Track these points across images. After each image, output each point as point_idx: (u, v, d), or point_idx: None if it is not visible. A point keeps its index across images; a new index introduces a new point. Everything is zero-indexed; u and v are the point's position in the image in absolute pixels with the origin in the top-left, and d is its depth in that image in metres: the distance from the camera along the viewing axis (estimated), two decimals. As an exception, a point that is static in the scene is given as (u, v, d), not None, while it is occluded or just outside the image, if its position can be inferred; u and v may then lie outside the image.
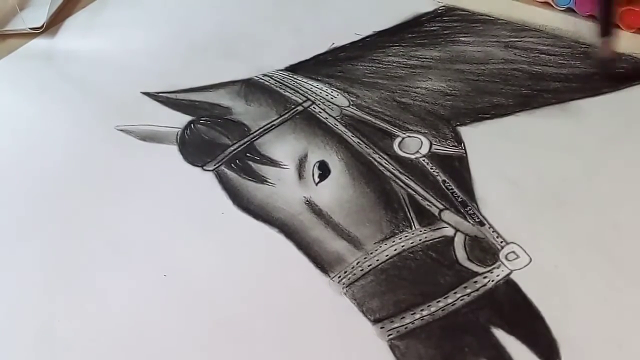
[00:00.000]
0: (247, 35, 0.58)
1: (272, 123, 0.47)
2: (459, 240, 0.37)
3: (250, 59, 0.54)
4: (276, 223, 0.41)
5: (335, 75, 0.51)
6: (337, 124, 0.46)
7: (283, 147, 0.45)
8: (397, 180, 0.41)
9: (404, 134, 0.45)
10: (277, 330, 0.35)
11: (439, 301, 0.35)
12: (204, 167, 0.45)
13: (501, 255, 0.36)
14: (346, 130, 0.45)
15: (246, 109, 0.49)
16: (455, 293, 0.35)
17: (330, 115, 0.47)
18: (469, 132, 0.44)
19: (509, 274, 0.36)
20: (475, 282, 0.35)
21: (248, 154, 0.45)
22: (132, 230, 0.42)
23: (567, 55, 0.49)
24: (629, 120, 0.43)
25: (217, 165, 0.45)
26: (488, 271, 0.36)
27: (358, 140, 0.44)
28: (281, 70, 0.52)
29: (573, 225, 0.38)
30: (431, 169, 0.42)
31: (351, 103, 0.48)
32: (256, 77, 0.52)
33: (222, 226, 0.41)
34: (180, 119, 0.49)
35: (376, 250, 0.38)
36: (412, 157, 0.43)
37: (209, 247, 0.40)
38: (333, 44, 0.54)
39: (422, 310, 0.35)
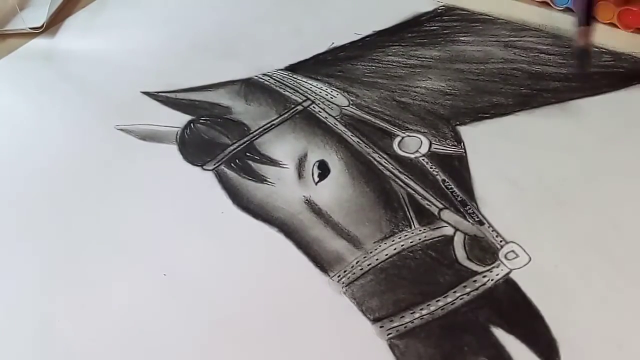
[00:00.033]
0: (247, 35, 0.58)
1: (272, 122, 0.47)
2: (458, 240, 0.37)
3: (250, 58, 0.54)
4: (276, 222, 0.41)
5: (335, 74, 0.51)
6: (337, 123, 0.46)
7: (283, 147, 0.45)
8: (397, 180, 0.41)
9: (404, 133, 0.45)
10: (277, 329, 0.35)
11: (438, 300, 0.35)
12: (204, 167, 0.45)
13: (501, 254, 0.36)
14: (346, 130, 0.45)
15: (246, 109, 0.49)
16: (454, 292, 0.35)
17: (330, 115, 0.47)
18: (468, 132, 0.44)
19: (508, 273, 0.36)
20: (475, 281, 0.35)
21: (248, 154, 0.45)
22: (131, 229, 0.42)
23: (567, 55, 0.49)
24: (629, 120, 0.43)
25: (216, 165, 0.45)
26: (487, 270, 0.36)
27: (358, 140, 0.44)
28: (281, 69, 0.52)
29: (573, 225, 0.38)
30: (431, 168, 0.42)
31: (351, 102, 0.48)
32: (256, 76, 0.52)
33: (221, 225, 0.41)
34: (180, 119, 0.49)
35: (376, 249, 0.38)
36: (412, 156, 0.43)
37: (209, 246, 0.40)
38: (333, 43, 0.54)
39: (421, 309, 0.35)
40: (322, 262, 0.38)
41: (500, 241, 0.37)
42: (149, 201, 0.44)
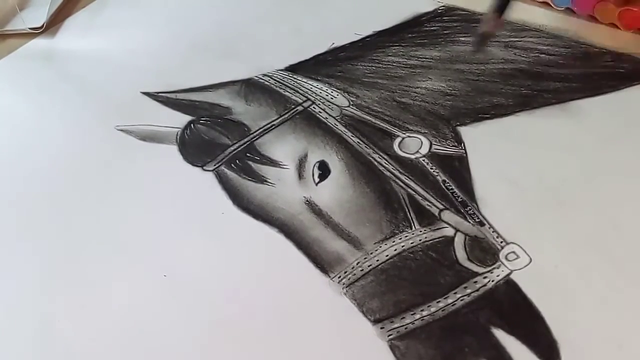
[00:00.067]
0: (247, 35, 0.58)
1: (272, 123, 0.47)
2: (459, 241, 0.37)
3: (250, 59, 0.54)
4: (276, 223, 0.41)
5: (335, 75, 0.51)
6: (337, 124, 0.46)
7: (283, 147, 0.45)
8: (397, 180, 0.41)
9: (404, 134, 0.45)
10: (277, 330, 0.35)
11: (439, 301, 0.35)
12: (204, 167, 0.45)
13: (501, 255, 0.36)
14: (346, 130, 0.45)
15: (246, 109, 0.49)
16: (455, 293, 0.35)
17: (330, 115, 0.47)
18: (469, 132, 0.44)
19: (509, 274, 0.36)
20: (475, 282, 0.35)
21: (248, 154, 0.45)
22: (131, 230, 0.42)
23: (567, 55, 0.49)
24: (629, 120, 0.43)
25: (217, 165, 0.45)
26: (488, 271, 0.36)
27: (358, 140, 0.44)
28: (281, 70, 0.52)
29: (573, 225, 0.38)
30: (431, 169, 0.42)
31: (351, 103, 0.48)
32: (256, 77, 0.52)
33: (222, 226, 0.41)
34: (180, 119, 0.49)
35: (376, 250, 0.38)
36: (412, 157, 0.43)
37: (209, 247, 0.40)
38: (333, 44, 0.54)
39: (422, 310, 0.35)
40: (322, 263, 0.38)
41: (501, 242, 0.37)
42: (149, 201, 0.44)
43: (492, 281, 0.35)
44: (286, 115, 0.47)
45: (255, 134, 0.46)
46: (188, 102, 0.51)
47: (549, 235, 0.37)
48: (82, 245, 0.42)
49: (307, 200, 0.41)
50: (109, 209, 0.44)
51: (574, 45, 0.49)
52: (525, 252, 0.36)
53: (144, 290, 0.38)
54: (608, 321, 0.33)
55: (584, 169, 0.41)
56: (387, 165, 0.42)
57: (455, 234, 0.38)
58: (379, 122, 0.46)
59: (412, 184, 0.41)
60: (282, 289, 0.37)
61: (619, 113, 0.44)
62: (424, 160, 0.43)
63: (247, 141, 0.46)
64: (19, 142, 0.51)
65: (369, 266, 0.37)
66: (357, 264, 0.37)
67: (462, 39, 0.52)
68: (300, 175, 0.43)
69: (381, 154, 0.43)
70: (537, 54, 0.49)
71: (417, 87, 0.48)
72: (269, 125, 0.47)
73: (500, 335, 0.33)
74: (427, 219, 0.39)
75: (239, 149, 0.45)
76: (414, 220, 0.39)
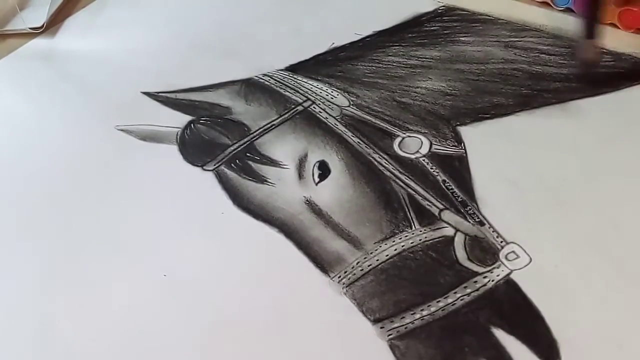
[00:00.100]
0: (247, 35, 0.58)
1: (272, 123, 0.47)
2: (459, 240, 0.37)
3: (250, 59, 0.54)
4: (276, 223, 0.41)
5: (335, 75, 0.51)
6: (337, 123, 0.46)
7: (283, 147, 0.45)
8: (397, 180, 0.41)
9: (404, 133, 0.45)
10: (277, 330, 0.35)
11: (439, 301, 0.35)
12: (204, 167, 0.45)
13: (501, 255, 0.36)
14: (346, 130, 0.45)
15: (246, 109, 0.49)
16: (455, 293, 0.35)
17: (330, 115, 0.47)
18: (469, 132, 0.44)
19: (509, 274, 0.36)
20: (475, 282, 0.35)
21: (248, 154, 0.45)
22: (132, 230, 0.42)
23: (567, 55, 0.49)
24: (629, 120, 0.43)
25: (217, 165, 0.45)
26: (488, 271, 0.36)
27: (358, 140, 0.44)
28: (281, 70, 0.52)
29: (573, 225, 0.38)
30: (431, 168, 0.42)
31: (351, 103, 0.48)
32: (256, 77, 0.52)
33: (222, 226, 0.41)
34: (180, 119, 0.49)
35: (376, 250, 0.38)
36: (412, 157, 0.43)
37: (209, 246, 0.40)
38: (333, 44, 0.54)
39: (422, 310, 0.35)
40: (322, 262, 0.38)
41: (501, 242, 0.37)
42: (149, 201, 0.44)
43: (492, 281, 0.35)
44: (286, 115, 0.47)
45: (255, 133, 0.46)
46: (188, 102, 0.51)
47: (548, 235, 0.37)
48: (82, 245, 0.42)
49: (307, 200, 0.41)
50: (109, 209, 0.44)
51: (574, 45, 0.49)
52: (525, 252, 0.36)
53: (144, 290, 0.38)
54: (608, 321, 0.33)
55: (584, 169, 0.41)
56: (387, 165, 0.42)
57: (455, 234, 0.38)
58: (379, 122, 0.46)
59: (412, 183, 0.41)
60: (282, 289, 0.37)
61: (619, 113, 0.44)
62: (424, 160, 0.43)
63: (247, 141, 0.46)
64: (19, 142, 0.51)
65: (369, 266, 0.37)
66: (357, 264, 0.37)
67: (462, 39, 0.52)
68: (300, 175, 0.43)
69: (381, 153, 0.43)
70: (537, 54, 0.49)
71: (417, 87, 0.48)
72: (269, 125, 0.47)
73: (500, 334, 0.33)
74: (427, 218, 0.39)
75: (239, 148, 0.45)
76: (414, 220, 0.39)
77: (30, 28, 0.62)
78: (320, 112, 0.47)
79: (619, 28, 0.50)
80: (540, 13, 0.53)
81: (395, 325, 0.34)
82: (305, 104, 0.48)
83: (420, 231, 0.38)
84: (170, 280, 0.39)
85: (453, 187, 0.40)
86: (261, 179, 0.43)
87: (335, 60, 0.52)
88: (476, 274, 0.36)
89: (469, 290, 0.35)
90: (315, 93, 0.49)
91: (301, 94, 0.49)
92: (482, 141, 0.43)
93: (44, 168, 0.48)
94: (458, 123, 0.45)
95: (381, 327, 0.34)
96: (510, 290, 0.35)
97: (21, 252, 0.42)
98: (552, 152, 0.42)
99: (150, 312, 0.37)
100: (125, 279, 0.39)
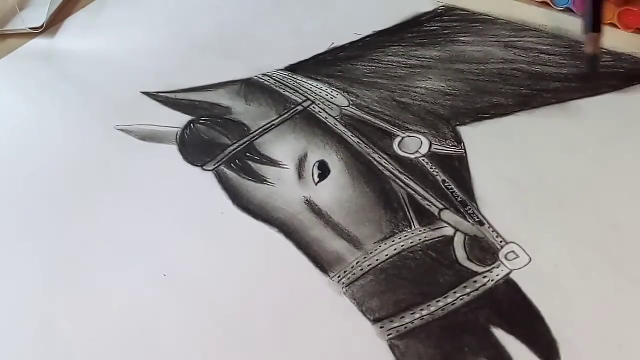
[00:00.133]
0: (247, 35, 0.58)
1: (272, 123, 0.47)
2: (458, 240, 0.37)
3: (250, 59, 0.54)
4: (276, 223, 0.41)
5: (335, 75, 0.51)
6: (337, 123, 0.46)
7: (283, 147, 0.45)
8: (397, 180, 0.41)
9: (404, 133, 0.45)
10: (277, 330, 0.35)
11: (438, 301, 0.35)
12: (204, 167, 0.45)
13: (501, 255, 0.36)
14: (346, 130, 0.45)
15: (246, 109, 0.49)
16: (455, 293, 0.35)
17: (330, 115, 0.47)
18: (469, 132, 0.44)
19: (508, 274, 0.36)
20: (475, 281, 0.35)
21: (248, 154, 0.45)
22: (131, 230, 0.42)
23: (567, 55, 0.49)
24: (629, 120, 0.43)
25: (217, 165, 0.45)
26: (488, 271, 0.36)
27: (358, 140, 0.44)
28: (281, 70, 0.52)
29: (573, 225, 0.38)
30: (431, 168, 0.42)
31: (351, 103, 0.48)
32: (256, 77, 0.52)
33: (222, 226, 0.41)
34: (180, 119, 0.49)
35: (376, 250, 0.38)
36: (412, 157, 0.43)
37: (209, 247, 0.40)
38: (333, 43, 0.54)
39: (421, 310, 0.35)
40: (322, 262, 0.38)
41: (501, 242, 0.37)
42: (149, 201, 0.44)
43: (492, 281, 0.35)
44: (286, 115, 0.47)
45: (255, 133, 0.46)
46: (188, 102, 0.51)
47: (548, 235, 0.37)
48: (82, 245, 0.42)
49: (307, 200, 0.41)
50: (109, 209, 0.44)
51: (574, 45, 0.49)
52: (525, 251, 0.36)
53: (144, 290, 0.38)
54: (608, 321, 0.33)
55: (584, 169, 0.41)
56: (387, 165, 0.42)
57: (455, 234, 0.38)
58: (378, 122, 0.46)
59: (412, 183, 0.41)
60: (282, 289, 0.37)
61: (619, 113, 0.44)
62: (423, 160, 0.43)
63: (247, 141, 0.46)
64: (19, 142, 0.51)
65: (368, 266, 0.37)
66: (357, 264, 0.37)
67: (462, 39, 0.52)
68: (300, 175, 0.43)
69: (381, 153, 0.43)
70: (537, 54, 0.49)
71: (417, 87, 0.48)
72: (269, 125, 0.47)
73: (500, 334, 0.33)
74: (427, 218, 0.39)
75: (239, 148, 0.45)
76: (413, 220, 0.39)
77: (30, 28, 0.62)
78: (320, 112, 0.47)
79: (619, 28, 0.50)
80: (540, 13, 0.53)
81: (395, 325, 0.34)
82: (305, 104, 0.48)
83: (420, 231, 0.38)
84: (170, 280, 0.39)
85: (453, 187, 0.40)
86: (261, 179, 0.43)
87: (335, 60, 0.52)
88: (476, 273, 0.36)
89: (468, 290, 0.35)
90: (315, 93, 0.49)
91: (301, 94, 0.49)
92: (482, 141, 0.43)
93: (44, 168, 0.48)
94: (458, 123, 0.45)
95: (381, 327, 0.34)
96: (510, 290, 0.35)
97: (21, 252, 0.42)
98: (552, 152, 0.42)
99: (150, 312, 0.37)
100: (125, 278, 0.39)
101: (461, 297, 0.35)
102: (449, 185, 0.41)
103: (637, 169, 0.40)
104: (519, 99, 0.46)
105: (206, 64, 0.55)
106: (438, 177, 0.41)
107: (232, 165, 0.45)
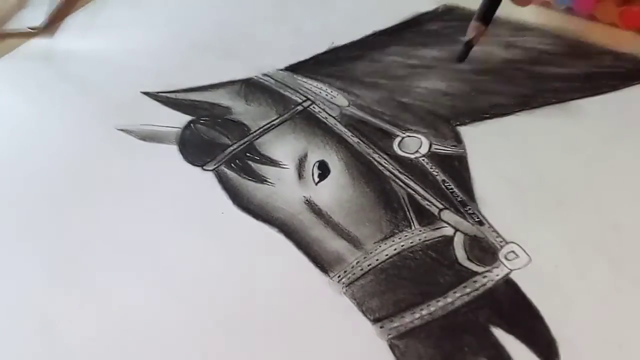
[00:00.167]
0: (247, 35, 0.58)
1: (272, 123, 0.47)
2: (458, 240, 0.37)
3: (250, 59, 0.54)
4: (276, 223, 0.41)
5: (335, 75, 0.51)
6: (337, 123, 0.46)
7: (283, 147, 0.45)
8: (397, 180, 0.41)
9: (404, 133, 0.45)
10: (277, 329, 0.35)
11: (438, 301, 0.35)
12: (204, 167, 0.45)
13: (501, 254, 0.36)
14: (346, 130, 0.45)
15: (246, 109, 0.49)
16: (454, 292, 0.35)
17: (330, 115, 0.47)
18: (468, 132, 0.44)
19: (508, 274, 0.36)
20: (475, 281, 0.35)
21: (248, 154, 0.45)
22: (131, 230, 0.42)
23: (567, 55, 0.49)
24: (629, 120, 0.43)
25: (217, 165, 0.45)
26: (487, 271, 0.36)
27: (358, 140, 0.44)
28: (281, 70, 0.52)
29: (573, 225, 0.38)
30: (431, 168, 0.42)
31: (351, 103, 0.48)
32: (256, 77, 0.52)
33: (222, 226, 0.41)
34: (180, 119, 0.49)
35: (376, 249, 0.38)
36: (412, 156, 0.43)
37: (209, 246, 0.40)
38: (333, 43, 0.54)
39: (421, 309, 0.35)
40: (322, 262, 0.38)
41: (500, 241, 0.37)
42: (149, 201, 0.44)
43: (492, 280, 0.35)
44: (286, 115, 0.47)
45: (255, 133, 0.46)
46: (188, 102, 0.51)
47: (548, 235, 0.37)
48: (82, 245, 0.42)
49: (307, 200, 0.41)
50: (109, 208, 0.44)
51: (574, 45, 0.49)
52: (525, 251, 0.36)
53: (144, 290, 0.38)
54: (608, 321, 0.33)
55: (584, 169, 0.41)
56: (386, 165, 0.42)
57: (454, 234, 0.38)
58: (378, 122, 0.46)
59: (411, 183, 0.41)
60: (282, 289, 0.37)
61: (619, 113, 0.44)
62: (423, 159, 0.43)
63: (247, 141, 0.46)
64: (19, 142, 0.51)
65: (368, 265, 0.37)
66: (356, 264, 0.37)
67: (462, 38, 0.52)
68: (300, 175, 0.43)
69: (381, 153, 0.43)
70: (537, 54, 0.49)
71: (417, 87, 0.48)
72: (268, 125, 0.47)
73: (500, 334, 0.33)
74: (427, 218, 0.39)
75: (239, 148, 0.46)
76: (413, 219, 0.39)
77: (29, 28, 0.62)
78: (320, 112, 0.47)
79: (619, 28, 0.50)
80: (540, 13, 0.53)
81: (395, 324, 0.34)
82: (305, 104, 0.48)
83: (420, 231, 0.38)
84: (170, 280, 0.39)
85: (453, 186, 0.40)
86: (261, 179, 0.43)
87: (335, 60, 0.52)
88: (476, 273, 0.36)
89: (468, 290, 0.35)
90: (315, 93, 0.49)
91: (301, 94, 0.49)
92: (482, 141, 0.43)
93: (44, 168, 0.48)
94: (458, 123, 0.45)
95: (381, 327, 0.34)
96: (509, 290, 0.35)
97: (21, 252, 0.42)
98: (552, 152, 0.42)
99: (150, 312, 0.37)
100: (125, 278, 0.39)
101: (461, 297, 0.35)
102: (449, 185, 0.41)
103: (637, 169, 0.40)
104: (519, 99, 0.46)
105: (206, 64, 0.55)
106: (438, 177, 0.41)
107: (232, 165, 0.45)
